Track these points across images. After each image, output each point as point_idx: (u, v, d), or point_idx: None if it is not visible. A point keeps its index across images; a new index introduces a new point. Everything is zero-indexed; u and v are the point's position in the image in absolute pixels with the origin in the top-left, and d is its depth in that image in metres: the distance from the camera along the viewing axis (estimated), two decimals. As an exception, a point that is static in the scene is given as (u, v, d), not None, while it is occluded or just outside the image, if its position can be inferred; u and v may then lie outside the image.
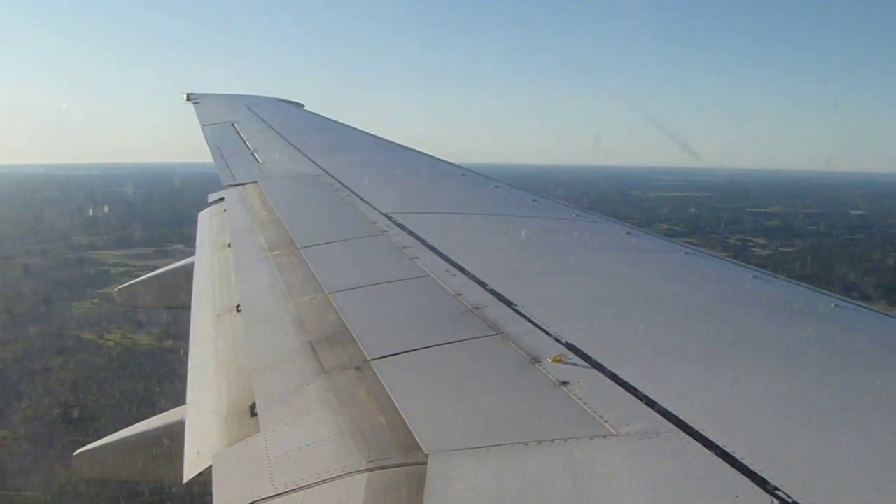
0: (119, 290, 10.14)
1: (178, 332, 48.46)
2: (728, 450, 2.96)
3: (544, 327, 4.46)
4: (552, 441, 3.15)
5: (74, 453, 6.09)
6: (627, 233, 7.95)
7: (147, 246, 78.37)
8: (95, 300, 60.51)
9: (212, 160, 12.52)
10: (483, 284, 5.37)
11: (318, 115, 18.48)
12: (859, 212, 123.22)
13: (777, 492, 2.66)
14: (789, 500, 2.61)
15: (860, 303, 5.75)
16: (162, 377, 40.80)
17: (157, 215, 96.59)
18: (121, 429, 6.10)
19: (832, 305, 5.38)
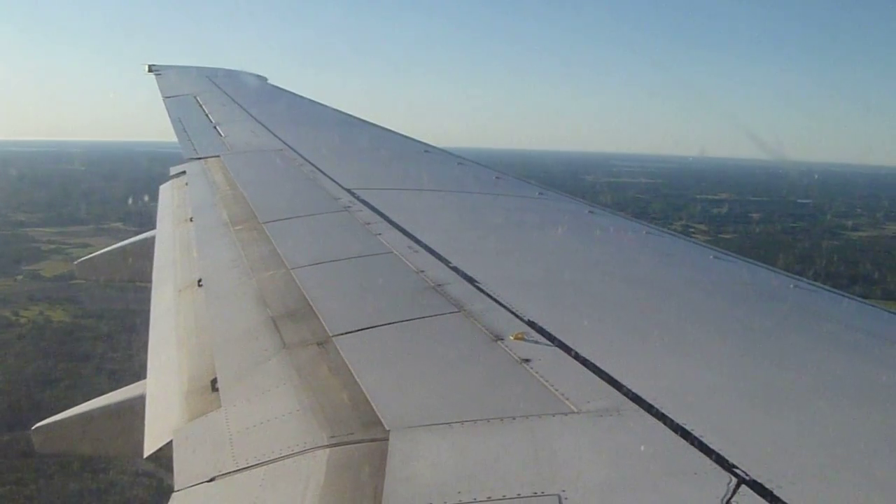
0: (79, 262, 10.02)
1: (98, 310, 47.85)
2: (687, 428, 3.00)
3: (507, 305, 4.48)
4: (514, 418, 3.17)
5: (33, 427, 6.02)
6: (590, 212, 7.99)
7: (84, 223, 77.32)
8: (20, 277, 59.35)
9: (173, 139, 12.36)
10: (446, 261, 5.37)
11: (282, 89, 18.32)
12: (807, 201, 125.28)
13: (735, 469, 2.70)
14: (747, 478, 2.65)
15: (820, 284, 5.84)
16: (64, 354, 40.67)
17: (99, 193, 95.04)
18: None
19: (791, 286, 5.46)
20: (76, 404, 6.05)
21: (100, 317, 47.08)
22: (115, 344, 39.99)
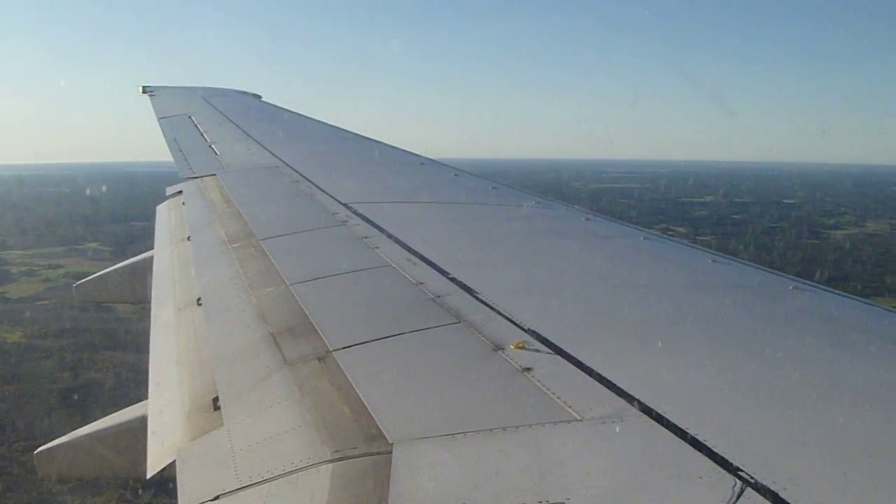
0: (77, 285, 10.00)
1: (57, 331, 47.63)
2: (691, 432, 2.99)
3: (507, 314, 4.48)
4: (517, 427, 3.16)
5: (35, 452, 6.00)
6: (587, 219, 7.99)
7: (58, 245, 76.45)
8: (-16, 300, 59.23)
9: (166, 158, 12.37)
10: (445, 273, 5.37)
11: (276, 107, 18.36)
12: (791, 201, 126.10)
13: (740, 472, 2.70)
14: (752, 481, 2.64)
15: (820, 285, 5.83)
16: (7, 375, 40.36)
17: (77, 214, 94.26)
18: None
19: (790, 288, 5.45)
20: None
21: (58, 336, 46.57)
22: (64, 363, 40.16)
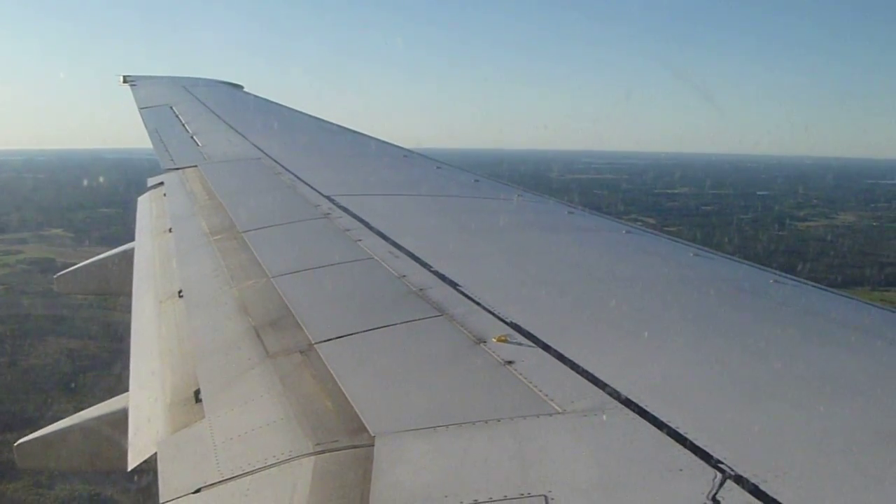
0: (58, 277, 9.96)
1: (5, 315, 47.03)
2: (672, 425, 3.01)
3: (489, 307, 4.48)
4: (498, 420, 3.17)
5: (16, 444, 5.97)
6: (570, 212, 8.01)
7: (25, 230, 75.03)
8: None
9: (144, 145, 12.29)
10: (427, 266, 5.38)
11: (259, 98, 18.29)
12: (765, 192, 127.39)
13: (720, 465, 2.71)
14: (731, 473, 2.66)
15: (800, 279, 5.87)
16: None
17: (48, 200, 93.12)
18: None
19: (772, 282, 5.49)
20: None
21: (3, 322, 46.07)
22: (3, 348, 39.75)
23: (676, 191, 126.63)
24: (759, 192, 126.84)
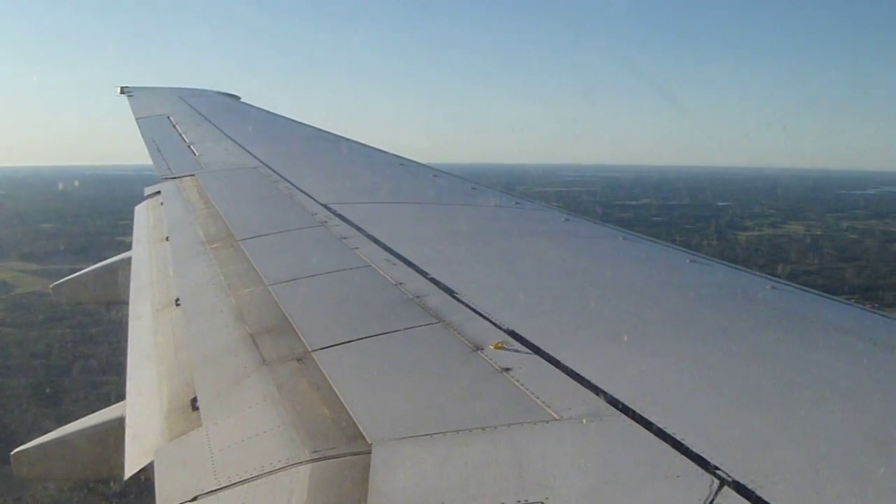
0: (54, 286, 9.93)
1: None
2: (669, 431, 3.01)
3: (486, 315, 4.48)
4: (495, 427, 3.17)
5: (12, 453, 5.95)
6: (566, 220, 8.02)
7: None
8: None
9: (140, 161, 12.29)
10: (424, 273, 5.38)
11: (255, 107, 18.32)
12: (725, 203, 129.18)
13: (717, 471, 2.71)
14: (729, 479, 2.66)
15: (797, 285, 5.87)
16: None
17: (28, 217, 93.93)
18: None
19: (768, 287, 5.49)
20: None
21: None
22: None
23: (637, 202, 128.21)
24: (719, 203, 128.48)
